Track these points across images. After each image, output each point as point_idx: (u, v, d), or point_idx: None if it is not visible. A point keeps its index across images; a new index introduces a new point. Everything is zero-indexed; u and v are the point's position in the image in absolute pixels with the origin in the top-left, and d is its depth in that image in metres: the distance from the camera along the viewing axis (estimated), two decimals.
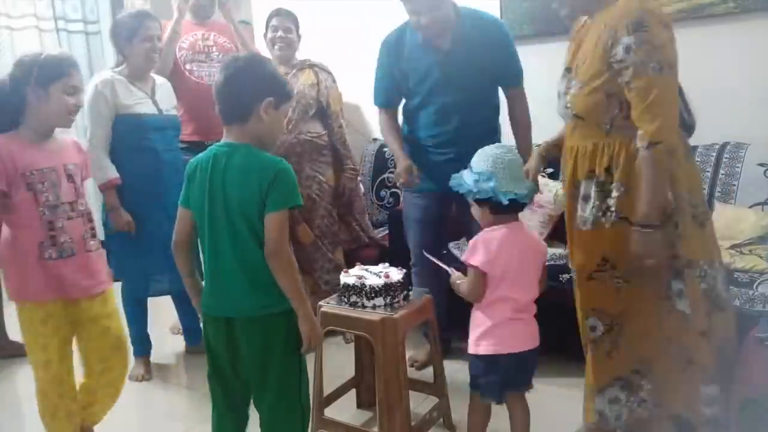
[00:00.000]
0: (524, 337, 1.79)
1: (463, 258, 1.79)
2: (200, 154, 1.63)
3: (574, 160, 1.78)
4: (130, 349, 2.15)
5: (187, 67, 3.02)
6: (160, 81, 2.73)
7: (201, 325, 1.73)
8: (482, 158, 1.79)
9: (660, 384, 1.77)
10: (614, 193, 1.69)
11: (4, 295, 3.00)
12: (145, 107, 2.58)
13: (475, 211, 1.83)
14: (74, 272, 1.88)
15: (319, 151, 2.88)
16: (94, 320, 1.95)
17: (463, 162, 1.88)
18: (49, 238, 1.84)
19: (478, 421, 1.88)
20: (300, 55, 2.99)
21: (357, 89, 3.10)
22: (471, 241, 1.79)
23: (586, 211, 1.75)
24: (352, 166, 3.00)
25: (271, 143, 1.67)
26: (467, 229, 2.45)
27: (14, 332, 3.00)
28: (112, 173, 2.50)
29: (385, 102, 2.54)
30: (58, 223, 1.86)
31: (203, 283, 1.66)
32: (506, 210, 1.76)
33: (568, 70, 1.80)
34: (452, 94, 2.34)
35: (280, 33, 2.87)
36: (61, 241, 1.86)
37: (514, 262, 1.74)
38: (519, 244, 1.76)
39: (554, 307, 1.97)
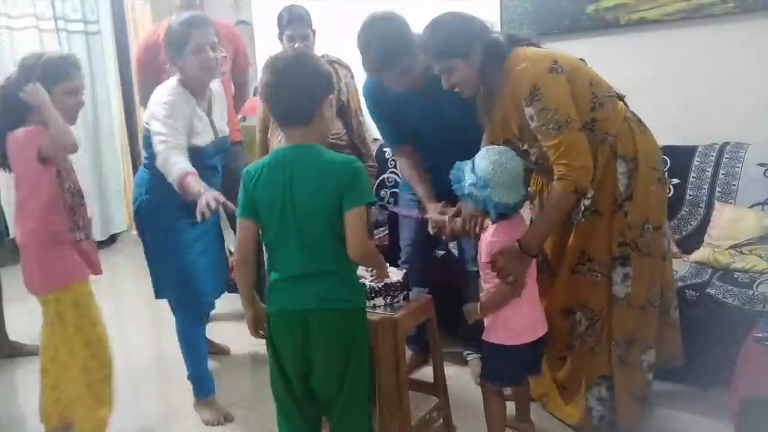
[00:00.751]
0: (541, 323, 1.89)
1: (486, 260, 1.82)
2: (261, 160, 1.61)
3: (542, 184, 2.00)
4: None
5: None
6: (214, 89, 2.35)
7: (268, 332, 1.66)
8: (484, 161, 1.80)
9: (618, 395, 1.92)
10: (590, 193, 1.85)
11: (5, 296, 3.01)
12: (205, 135, 2.24)
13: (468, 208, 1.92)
14: (92, 251, 2.07)
15: (340, 151, 2.84)
16: (89, 294, 2.07)
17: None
18: (74, 222, 1.99)
19: (500, 409, 1.92)
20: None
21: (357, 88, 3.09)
22: (483, 243, 1.85)
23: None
24: (372, 164, 2.92)
25: (326, 140, 1.69)
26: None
27: (14, 332, 3.01)
28: (184, 166, 2.05)
29: (395, 140, 2.45)
30: (77, 208, 2.01)
31: (267, 287, 1.63)
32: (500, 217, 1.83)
33: (510, 140, 1.92)
34: (434, 129, 2.30)
35: (298, 44, 2.74)
36: (81, 225, 2.02)
37: None
38: (521, 233, 1.84)
39: None
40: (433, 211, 2.24)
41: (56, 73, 1.90)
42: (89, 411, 2.03)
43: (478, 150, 2.22)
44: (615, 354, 1.89)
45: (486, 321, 1.87)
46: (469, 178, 1.81)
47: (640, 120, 1.93)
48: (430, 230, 2.21)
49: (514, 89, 1.79)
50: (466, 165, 1.84)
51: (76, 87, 1.94)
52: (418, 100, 2.25)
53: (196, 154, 2.15)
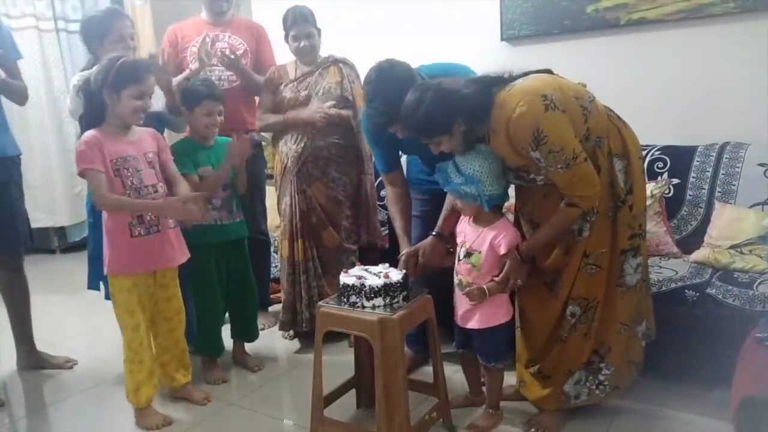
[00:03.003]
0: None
1: (504, 251, 1.94)
2: None
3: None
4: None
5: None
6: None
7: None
8: (470, 161, 1.90)
9: (616, 368, 2.04)
10: None
11: (33, 310, 2.88)
12: None
13: (461, 204, 2.00)
14: (159, 247, 2.21)
15: (344, 151, 2.84)
16: (165, 287, 2.31)
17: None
18: (136, 218, 2.15)
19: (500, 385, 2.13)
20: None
21: None
22: (500, 238, 1.94)
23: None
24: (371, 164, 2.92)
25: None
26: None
27: (41, 344, 2.91)
28: None
29: (386, 167, 2.42)
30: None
31: None
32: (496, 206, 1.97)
33: (514, 172, 1.96)
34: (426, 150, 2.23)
35: (303, 43, 2.78)
36: (147, 219, 2.17)
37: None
38: None
39: None
40: (404, 248, 2.27)
41: (127, 78, 2.10)
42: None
43: None
44: (621, 334, 2.01)
45: (479, 310, 2.00)
46: (457, 179, 1.90)
47: (617, 115, 2.01)
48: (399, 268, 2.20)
49: (514, 136, 1.80)
50: (448, 166, 1.92)
51: (143, 91, 2.15)
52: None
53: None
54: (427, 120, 1.82)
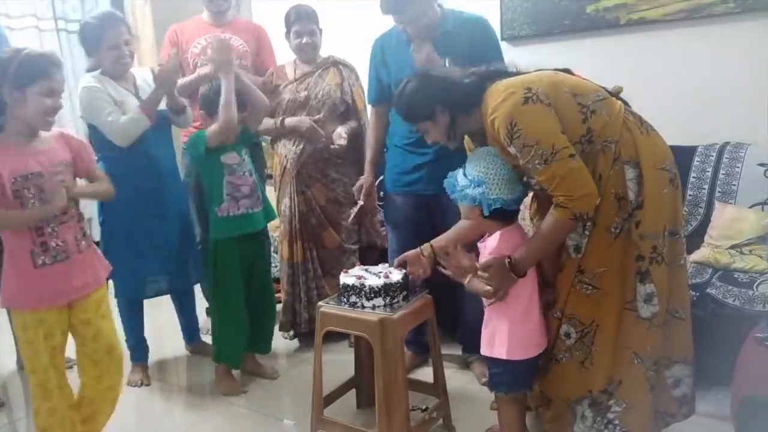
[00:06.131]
0: (545, 331, 1.85)
1: (489, 253, 1.77)
2: None
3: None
4: (126, 353, 2.13)
5: (198, 72, 2.93)
6: (142, 75, 2.64)
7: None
8: (475, 162, 1.79)
9: (628, 405, 1.77)
10: None
11: None
12: (131, 105, 2.45)
13: (465, 213, 1.83)
14: (68, 276, 1.85)
15: (344, 152, 2.83)
16: (87, 323, 1.93)
17: (442, 163, 1.89)
18: (39, 245, 1.80)
19: (517, 416, 1.88)
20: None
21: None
22: (489, 248, 1.79)
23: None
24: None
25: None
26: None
27: None
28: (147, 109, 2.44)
29: (373, 99, 2.55)
30: (48, 229, 1.81)
31: None
32: (501, 215, 1.77)
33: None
34: None
35: (305, 39, 2.78)
36: (53, 246, 1.82)
37: None
38: (522, 243, 1.78)
39: None
40: (362, 178, 2.48)
41: (32, 73, 1.75)
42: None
43: None
44: (634, 365, 1.77)
45: (491, 335, 1.82)
46: (462, 182, 1.79)
47: (642, 120, 1.81)
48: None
49: (493, 132, 1.73)
50: (458, 172, 1.82)
51: (53, 88, 1.78)
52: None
53: None
54: (411, 103, 1.85)
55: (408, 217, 2.45)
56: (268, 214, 2.58)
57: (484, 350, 1.84)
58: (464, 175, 1.79)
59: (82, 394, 2.00)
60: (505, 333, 1.77)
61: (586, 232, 1.74)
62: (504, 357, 1.77)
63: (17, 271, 1.81)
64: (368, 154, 2.57)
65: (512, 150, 1.69)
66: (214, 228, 2.44)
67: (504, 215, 1.78)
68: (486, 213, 1.75)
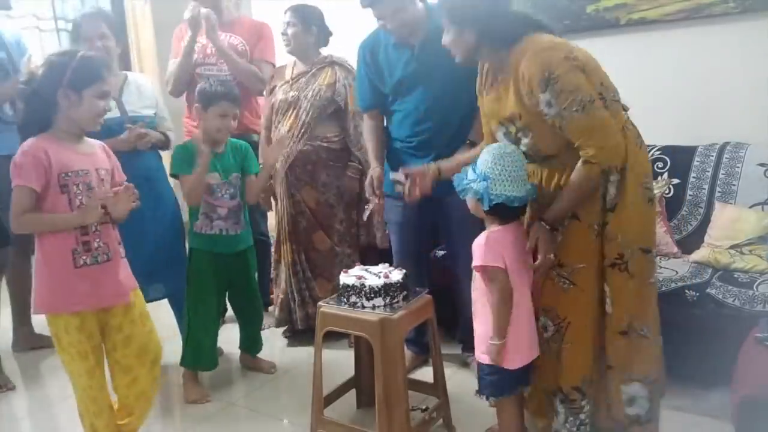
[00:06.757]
0: (536, 341, 1.84)
1: (475, 264, 1.76)
2: None
3: (541, 176, 1.85)
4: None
5: (198, 71, 2.97)
6: (132, 78, 2.65)
7: None
8: (484, 155, 1.75)
9: (596, 398, 1.85)
10: None
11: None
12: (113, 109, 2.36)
13: (471, 206, 1.81)
14: (108, 279, 1.84)
15: (335, 155, 2.82)
16: (118, 328, 1.90)
17: None
18: (81, 244, 1.79)
19: (516, 416, 1.88)
20: (324, 50, 2.91)
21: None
22: (475, 246, 1.77)
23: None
24: (359, 166, 2.86)
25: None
26: (447, 234, 2.44)
27: (39, 326, 3.05)
28: None
29: (365, 105, 2.49)
30: (92, 227, 1.80)
31: None
32: (502, 212, 1.75)
33: (502, 123, 1.83)
34: (423, 93, 2.28)
35: (288, 30, 2.79)
36: (95, 246, 1.81)
37: (519, 262, 1.77)
38: (519, 245, 1.78)
39: None
40: (374, 169, 2.36)
41: (89, 77, 1.79)
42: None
43: (466, 127, 2.22)
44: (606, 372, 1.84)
45: (481, 339, 1.81)
46: (470, 176, 1.75)
47: (638, 134, 1.83)
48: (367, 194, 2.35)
49: (525, 73, 1.69)
50: (469, 167, 1.79)
51: (106, 91, 1.85)
52: (410, 56, 2.28)
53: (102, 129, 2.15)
54: (455, 5, 1.79)
55: (410, 219, 2.43)
56: (245, 238, 2.55)
57: (476, 352, 1.85)
58: (473, 170, 1.76)
59: (118, 400, 1.97)
60: (486, 339, 1.77)
61: (612, 178, 1.73)
62: (485, 362, 1.79)
63: (54, 273, 1.78)
64: (371, 148, 2.48)
65: (545, 97, 1.66)
66: (191, 237, 2.46)
67: (505, 212, 1.75)
68: (485, 207, 1.73)
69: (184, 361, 2.52)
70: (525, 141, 1.78)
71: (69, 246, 1.78)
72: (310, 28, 2.81)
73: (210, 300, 2.50)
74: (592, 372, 1.83)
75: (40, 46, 4.66)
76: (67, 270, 1.78)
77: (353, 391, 2.31)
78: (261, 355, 2.74)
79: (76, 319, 1.80)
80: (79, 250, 1.79)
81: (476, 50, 1.80)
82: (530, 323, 1.81)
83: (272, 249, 3.13)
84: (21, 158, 1.74)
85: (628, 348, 1.79)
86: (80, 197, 1.79)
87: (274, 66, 3.05)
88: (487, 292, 1.76)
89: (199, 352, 2.51)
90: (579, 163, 1.69)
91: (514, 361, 1.77)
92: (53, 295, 1.80)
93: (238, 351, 2.78)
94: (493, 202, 1.71)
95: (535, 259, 1.79)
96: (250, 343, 2.74)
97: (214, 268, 2.48)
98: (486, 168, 1.72)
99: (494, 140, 1.89)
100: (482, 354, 1.80)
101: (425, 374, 2.34)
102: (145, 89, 2.69)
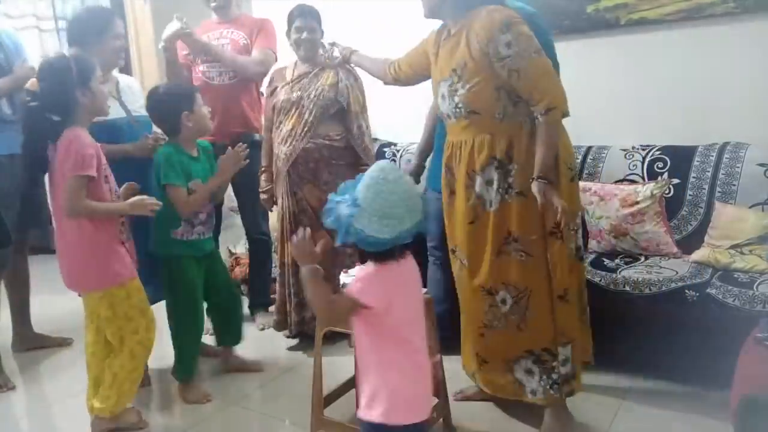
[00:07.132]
0: (429, 403, 1.52)
1: (350, 289, 1.48)
2: None
3: (470, 152, 1.98)
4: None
5: (200, 68, 2.95)
6: (125, 81, 2.65)
7: None
8: (366, 187, 1.41)
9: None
10: (513, 172, 1.92)
11: (32, 291, 3.09)
12: (114, 110, 2.37)
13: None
14: (130, 255, 2.17)
15: (338, 153, 2.82)
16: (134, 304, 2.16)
17: None
18: (120, 224, 2.13)
19: None
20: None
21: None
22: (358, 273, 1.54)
23: (491, 194, 1.96)
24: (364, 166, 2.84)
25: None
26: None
27: (38, 325, 3.12)
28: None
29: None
30: None
31: None
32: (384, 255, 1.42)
33: (446, 78, 1.99)
34: None
35: (305, 35, 2.76)
36: (126, 223, 2.16)
37: (411, 299, 1.51)
38: (412, 282, 1.52)
39: None
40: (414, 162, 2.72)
41: (89, 67, 2.03)
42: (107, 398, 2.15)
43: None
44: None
45: (365, 394, 1.48)
46: (340, 196, 1.44)
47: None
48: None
49: (482, 24, 1.87)
50: (343, 198, 1.43)
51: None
52: None
53: (108, 128, 2.36)
54: None
55: (441, 215, 2.41)
56: (212, 242, 2.58)
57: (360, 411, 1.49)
58: (352, 187, 1.45)
59: (113, 372, 2.16)
60: (369, 390, 1.46)
61: (507, 195, 1.93)
62: (377, 421, 1.42)
63: (108, 249, 2.07)
64: (421, 141, 2.77)
65: (505, 38, 1.83)
66: (169, 245, 2.40)
67: (363, 251, 1.45)
68: (338, 242, 1.42)
69: (179, 375, 2.51)
70: (461, 92, 1.93)
71: (117, 226, 2.11)
72: (321, 30, 2.83)
73: (200, 308, 2.51)
74: (555, 334, 1.97)
75: (40, 46, 4.67)
76: (119, 244, 2.10)
77: (353, 391, 2.31)
78: (261, 355, 2.74)
79: (132, 284, 2.11)
80: (120, 228, 2.12)
81: (440, 7, 1.99)
82: (423, 380, 1.49)
83: (274, 249, 3.14)
84: (85, 150, 1.97)
85: (563, 311, 1.96)
86: (111, 184, 2.09)
87: (275, 53, 3.03)
88: (369, 350, 1.48)
89: (193, 363, 2.53)
90: (540, 119, 1.85)
91: (406, 417, 1.44)
92: (115, 267, 2.07)
93: (243, 353, 2.76)
94: (345, 240, 1.40)
95: (543, 220, 1.90)
96: (230, 331, 2.67)
97: (198, 273, 2.48)
98: (359, 194, 1.39)
99: (437, 104, 2.06)
100: (373, 411, 1.45)
101: None
102: (135, 89, 2.70)
